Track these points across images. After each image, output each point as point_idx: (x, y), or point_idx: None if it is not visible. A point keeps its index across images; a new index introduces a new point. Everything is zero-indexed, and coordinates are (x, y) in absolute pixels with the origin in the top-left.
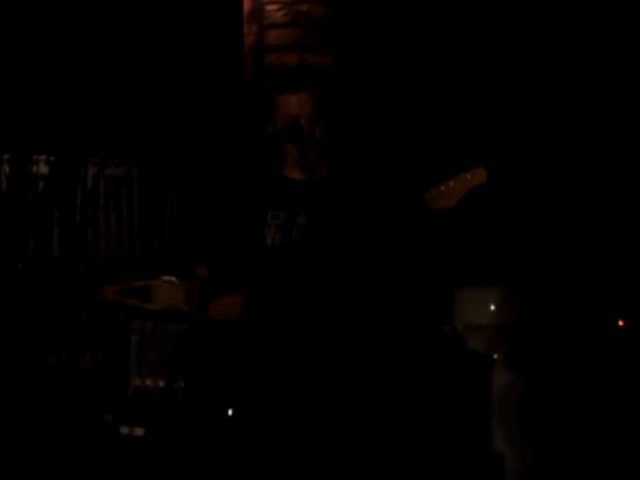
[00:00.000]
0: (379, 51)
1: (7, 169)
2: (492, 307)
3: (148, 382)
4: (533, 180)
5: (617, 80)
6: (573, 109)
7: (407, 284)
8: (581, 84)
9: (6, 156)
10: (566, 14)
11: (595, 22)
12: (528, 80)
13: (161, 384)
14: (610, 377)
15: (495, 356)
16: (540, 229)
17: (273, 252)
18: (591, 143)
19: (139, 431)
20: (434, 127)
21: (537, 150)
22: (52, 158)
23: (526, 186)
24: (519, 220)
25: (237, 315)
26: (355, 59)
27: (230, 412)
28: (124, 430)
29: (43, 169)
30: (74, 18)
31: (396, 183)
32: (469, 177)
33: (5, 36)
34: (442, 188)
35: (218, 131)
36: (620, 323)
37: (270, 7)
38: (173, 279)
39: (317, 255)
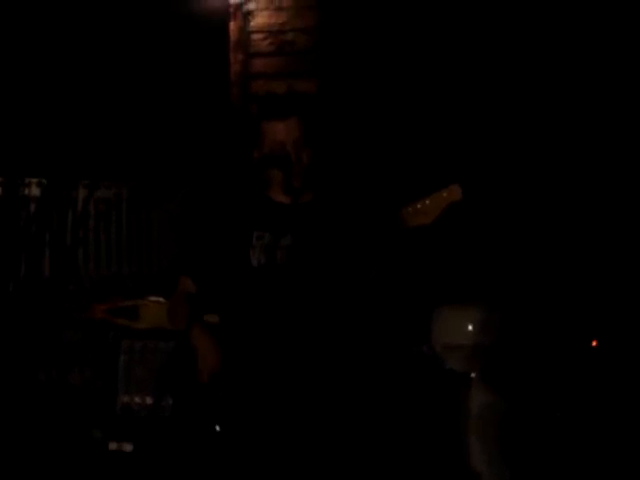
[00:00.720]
0: (361, 77)
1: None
2: (470, 327)
3: (136, 399)
4: (509, 199)
5: (592, 104)
6: (547, 130)
7: (386, 303)
8: (556, 106)
9: None
10: (537, 37)
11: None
12: (503, 101)
13: (149, 401)
14: (585, 396)
15: (473, 375)
16: (517, 250)
17: (258, 272)
18: (566, 165)
19: (127, 447)
20: (411, 146)
21: (513, 169)
22: (44, 181)
23: (502, 206)
24: (497, 240)
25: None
26: (338, 86)
27: (217, 428)
28: (112, 446)
29: (35, 191)
30: (65, 45)
31: (375, 202)
32: (445, 195)
33: None
34: (418, 206)
35: (205, 155)
36: (594, 344)
37: (256, 36)
38: (160, 299)
39: (300, 275)
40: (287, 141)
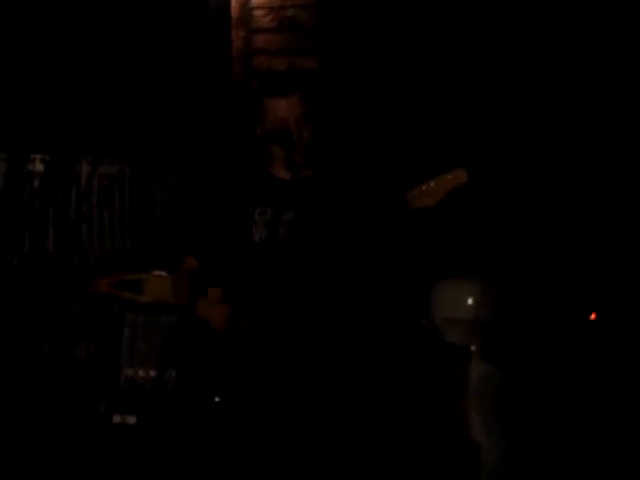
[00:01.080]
0: (363, 55)
1: (4, 167)
2: (470, 301)
3: (140, 372)
4: (511, 180)
5: (594, 86)
6: (550, 113)
7: (388, 279)
8: (560, 88)
9: (3, 155)
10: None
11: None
12: (508, 83)
13: (152, 374)
14: (584, 368)
15: (472, 348)
16: (517, 226)
17: (260, 247)
18: (569, 144)
19: (131, 419)
20: (417, 129)
21: (516, 151)
22: (47, 157)
23: (505, 186)
24: (497, 218)
25: (221, 326)
26: (340, 63)
27: (219, 401)
28: (116, 419)
29: (39, 167)
30: (70, 21)
31: (379, 183)
32: (450, 177)
33: (3, 38)
34: (423, 188)
35: (207, 131)
36: (592, 317)
37: (257, 12)
38: (164, 273)
39: (302, 250)
40: (289, 117)
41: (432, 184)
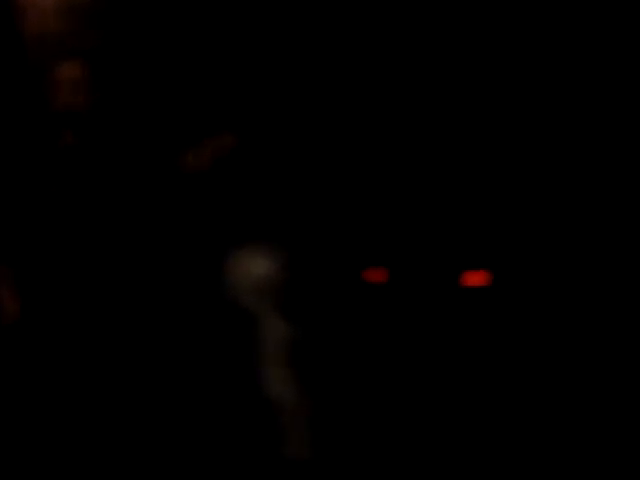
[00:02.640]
0: (146, 31)
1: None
2: (261, 265)
3: None
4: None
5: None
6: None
7: (177, 249)
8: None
9: None
10: None
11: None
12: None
13: None
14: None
15: (267, 310)
16: (302, 186)
17: (50, 223)
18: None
19: None
20: (190, 93)
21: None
22: None
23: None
24: (280, 180)
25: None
26: (123, 41)
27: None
28: None
29: None
30: None
31: (150, 148)
32: (221, 141)
33: None
34: (195, 152)
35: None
36: (382, 276)
37: None
38: None
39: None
40: (72, 85)
41: (204, 148)
